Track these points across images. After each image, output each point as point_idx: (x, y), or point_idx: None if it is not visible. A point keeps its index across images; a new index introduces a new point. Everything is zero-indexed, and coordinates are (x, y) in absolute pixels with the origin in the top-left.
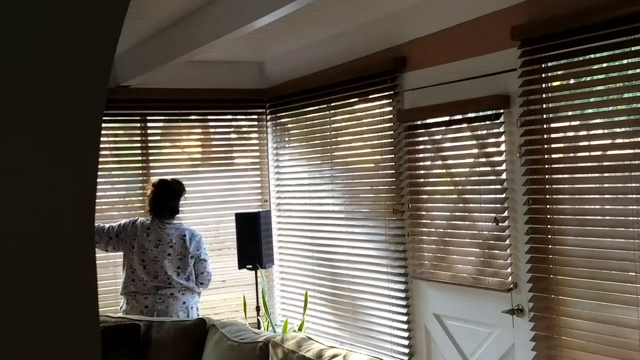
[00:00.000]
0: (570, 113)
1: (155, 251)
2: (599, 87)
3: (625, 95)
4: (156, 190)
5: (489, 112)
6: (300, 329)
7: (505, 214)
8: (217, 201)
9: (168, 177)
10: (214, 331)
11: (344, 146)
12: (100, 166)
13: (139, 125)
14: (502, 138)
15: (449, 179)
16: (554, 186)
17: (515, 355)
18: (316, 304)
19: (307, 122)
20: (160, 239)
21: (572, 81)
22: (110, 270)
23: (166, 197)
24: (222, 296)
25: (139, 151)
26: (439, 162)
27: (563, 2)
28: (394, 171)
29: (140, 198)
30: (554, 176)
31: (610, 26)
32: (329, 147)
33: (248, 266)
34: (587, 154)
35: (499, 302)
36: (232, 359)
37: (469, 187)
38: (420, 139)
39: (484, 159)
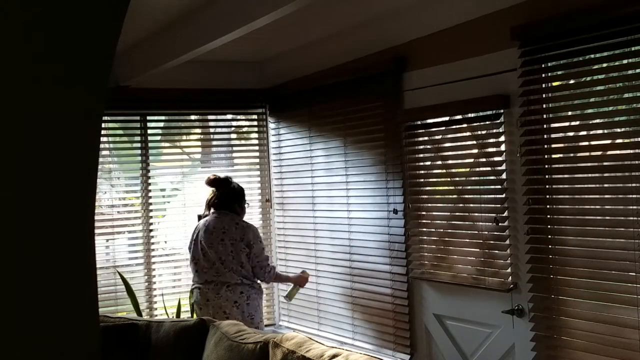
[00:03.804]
0: (570, 113)
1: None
2: (599, 87)
3: (625, 95)
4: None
5: (489, 112)
6: None
7: (505, 214)
8: None
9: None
10: (214, 331)
11: (344, 146)
12: (100, 166)
13: (139, 125)
14: (502, 138)
15: (449, 179)
16: (554, 186)
17: (515, 356)
18: (316, 304)
19: (308, 122)
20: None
21: (572, 81)
22: (111, 270)
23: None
24: None
25: (139, 151)
26: (439, 162)
27: (563, 2)
28: (394, 171)
29: (140, 198)
30: (554, 176)
31: (610, 26)
32: (329, 147)
33: None
34: (587, 154)
35: (499, 302)
36: (232, 359)
37: (469, 187)
38: (420, 139)
39: (484, 159)
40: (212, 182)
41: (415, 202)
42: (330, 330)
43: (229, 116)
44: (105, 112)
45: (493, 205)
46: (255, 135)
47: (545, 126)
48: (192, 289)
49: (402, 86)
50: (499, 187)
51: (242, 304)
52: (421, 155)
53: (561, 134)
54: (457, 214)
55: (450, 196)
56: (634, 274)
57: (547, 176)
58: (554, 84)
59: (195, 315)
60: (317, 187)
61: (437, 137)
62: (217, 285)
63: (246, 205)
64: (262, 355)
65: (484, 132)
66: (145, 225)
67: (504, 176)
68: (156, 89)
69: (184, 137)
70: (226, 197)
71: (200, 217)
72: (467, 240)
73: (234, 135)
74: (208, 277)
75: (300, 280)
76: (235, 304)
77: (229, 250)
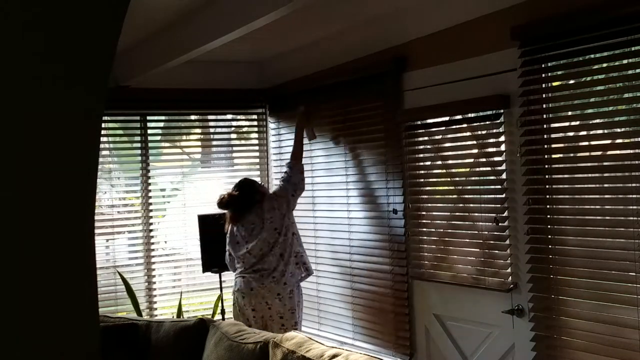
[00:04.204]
0: (570, 113)
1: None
2: (599, 87)
3: (625, 95)
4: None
5: (489, 112)
6: None
7: (505, 214)
8: None
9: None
10: (214, 331)
11: (343, 146)
12: (100, 166)
13: (139, 125)
14: (502, 138)
15: (449, 179)
16: (554, 186)
17: (515, 355)
18: (316, 304)
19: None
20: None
21: (572, 81)
22: (111, 270)
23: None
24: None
25: (139, 151)
26: (439, 162)
27: (563, 2)
28: (394, 171)
29: (140, 198)
30: (554, 176)
31: (610, 26)
32: (329, 147)
33: (214, 269)
34: (587, 154)
35: (499, 302)
36: (232, 359)
37: (469, 187)
38: (420, 139)
39: (484, 159)
40: (227, 204)
41: (415, 202)
42: (330, 330)
43: (229, 116)
44: (105, 112)
45: (493, 205)
46: (255, 135)
47: (545, 126)
48: (235, 278)
49: (402, 86)
50: (499, 187)
51: (285, 296)
52: (421, 155)
53: (561, 134)
54: (457, 214)
55: (450, 196)
56: (634, 274)
57: (547, 176)
58: (554, 84)
59: (237, 306)
60: (317, 187)
61: (437, 137)
62: (262, 276)
63: (261, 183)
64: (262, 355)
65: (484, 132)
66: (145, 225)
67: (504, 176)
68: (156, 89)
69: (184, 137)
70: (245, 201)
71: (201, 217)
72: (467, 240)
73: (234, 135)
74: (252, 266)
75: (305, 121)
76: (278, 296)
77: (274, 235)
